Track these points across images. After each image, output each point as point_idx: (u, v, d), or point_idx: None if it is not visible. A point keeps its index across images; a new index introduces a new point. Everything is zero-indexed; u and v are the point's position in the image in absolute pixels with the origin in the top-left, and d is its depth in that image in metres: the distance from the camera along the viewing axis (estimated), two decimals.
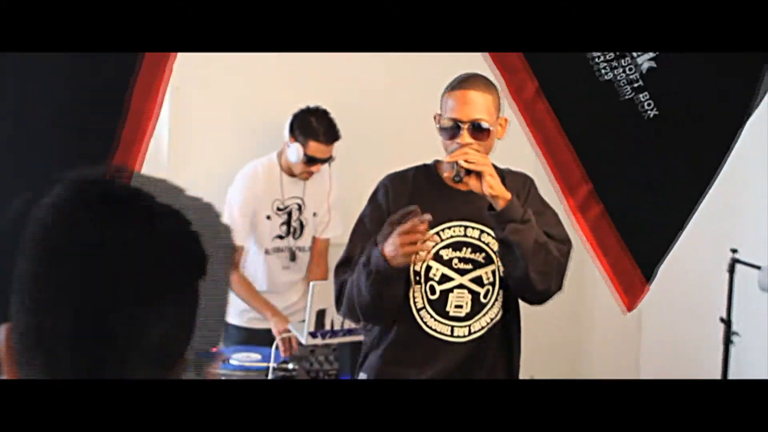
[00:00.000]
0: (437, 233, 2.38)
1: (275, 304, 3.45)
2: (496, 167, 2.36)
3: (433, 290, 2.40)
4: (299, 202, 3.48)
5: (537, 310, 4.40)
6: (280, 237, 3.51)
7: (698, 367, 4.04)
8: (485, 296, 2.40)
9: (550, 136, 1.80)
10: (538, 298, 2.38)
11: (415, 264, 2.38)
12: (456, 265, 2.40)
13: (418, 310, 2.40)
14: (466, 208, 2.38)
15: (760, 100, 2.08)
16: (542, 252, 2.26)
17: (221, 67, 3.58)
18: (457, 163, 2.21)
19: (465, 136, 2.26)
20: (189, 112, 3.49)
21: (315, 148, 3.35)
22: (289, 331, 3.26)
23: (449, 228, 2.40)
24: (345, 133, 3.43)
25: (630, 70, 1.77)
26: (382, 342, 2.46)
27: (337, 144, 3.42)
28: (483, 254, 2.39)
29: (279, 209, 3.50)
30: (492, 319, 2.43)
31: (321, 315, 2.98)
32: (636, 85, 1.78)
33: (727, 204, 3.83)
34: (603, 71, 1.78)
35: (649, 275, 1.90)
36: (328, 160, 3.42)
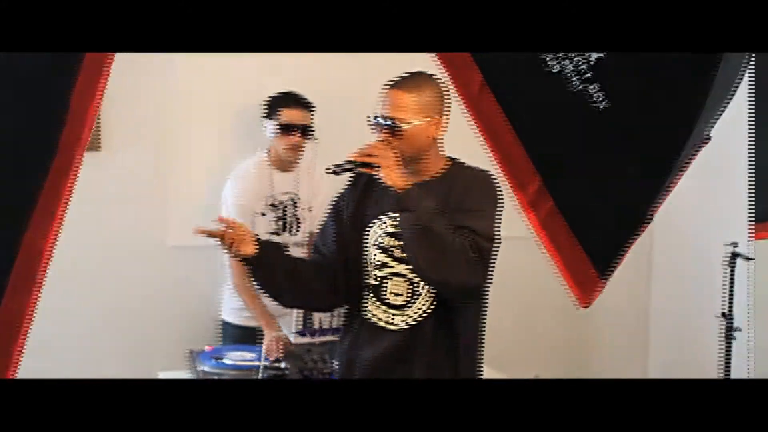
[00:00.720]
0: (380, 223, 2.52)
1: (269, 303, 3.39)
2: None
3: (375, 277, 2.56)
4: (293, 197, 3.53)
5: (543, 308, 4.41)
6: (276, 233, 3.55)
7: (704, 363, 4.01)
8: (420, 285, 2.50)
9: (497, 131, 1.84)
10: (441, 288, 2.46)
11: (361, 254, 2.56)
12: (395, 253, 2.52)
13: (364, 298, 2.59)
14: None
15: (733, 92, 2.09)
16: (435, 240, 2.34)
17: (212, 69, 3.65)
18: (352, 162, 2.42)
19: (379, 131, 2.44)
20: (182, 114, 3.57)
21: (287, 114, 3.45)
22: (280, 340, 3.31)
23: (391, 219, 2.51)
24: (336, 128, 3.48)
25: (578, 61, 1.79)
26: (343, 330, 2.64)
27: (328, 139, 3.47)
28: None
29: (273, 205, 3.55)
30: (426, 309, 2.51)
31: (308, 313, 3.04)
32: (585, 76, 1.80)
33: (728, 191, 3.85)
34: (550, 63, 1.80)
35: (603, 270, 1.90)
36: (307, 129, 3.48)
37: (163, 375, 3.31)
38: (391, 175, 2.38)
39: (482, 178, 2.58)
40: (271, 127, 3.57)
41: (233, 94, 3.91)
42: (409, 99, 2.44)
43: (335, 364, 2.77)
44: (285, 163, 3.59)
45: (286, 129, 3.51)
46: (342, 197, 2.66)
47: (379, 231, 2.59)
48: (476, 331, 2.60)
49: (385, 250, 2.56)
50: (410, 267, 2.52)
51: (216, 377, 3.08)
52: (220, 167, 3.75)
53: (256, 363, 3.13)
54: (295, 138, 3.49)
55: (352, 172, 2.53)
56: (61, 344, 3.58)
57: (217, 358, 3.20)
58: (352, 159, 2.42)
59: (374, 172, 2.43)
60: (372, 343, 2.57)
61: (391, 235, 2.55)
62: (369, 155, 2.39)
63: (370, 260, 2.60)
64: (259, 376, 3.02)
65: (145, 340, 3.87)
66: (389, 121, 2.45)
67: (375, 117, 2.49)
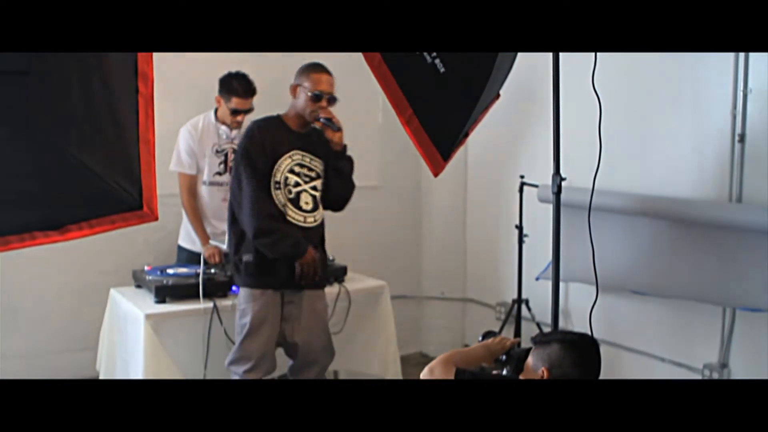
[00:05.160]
0: (290, 156, 3.33)
1: (216, 226, 4.11)
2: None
3: (291, 192, 3.31)
4: (234, 146, 4.07)
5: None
6: (219, 173, 4.15)
7: (502, 258, 5.12)
8: (319, 199, 3.41)
9: (389, 84, 3.00)
10: (342, 201, 3.47)
11: (275, 176, 3.27)
12: (302, 176, 3.36)
13: (282, 206, 3.30)
14: (303, 143, 3.38)
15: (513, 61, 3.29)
16: (351, 178, 3.41)
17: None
18: (330, 118, 3.30)
19: (325, 104, 3.31)
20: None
21: (236, 102, 4.08)
22: (215, 248, 3.99)
23: (296, 154, 3.37)
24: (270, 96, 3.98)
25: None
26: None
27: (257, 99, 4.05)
28: (314, 172, 3.40)
29: (217, 151, 4.15)
30: (321, 215, 3.46)
31: None
32: (433, 55, 2.98)
33: (516, 141, 4.99)
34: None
35: (446, 156, 3.16)
36: (249, 110, 4.08)
37: (113, 291, 3.89)
38: (341, 137, 3.36)
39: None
40: (223, 106, 4.08)
41: (191, 70, 4.43)
42: (332, 79, 3.36)
43: (246, 257, 3.37)
44: (228, 123, 4.14)
45: (235, 113, 4.11)
46: (248, 151, 3.26)
47: (290, 162, 3.33)
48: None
49: (297, 174, 3.33)
50: (312, 185, 3.37)
51: (162, 284, 3.62)
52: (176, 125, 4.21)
53: (194, 271, 3.74)
54: (241, 118, 4.10)
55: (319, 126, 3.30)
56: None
57: (161, 271, 3.84)
58: (329, 118, 3.27)
59: (329, 131, 3.31)
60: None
61: (297, 164, 3.35)
62: (336, 120, 3.30)
63: (286, 182, 3.31)
64: (200, 281, 3.57)
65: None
66: (327, 95, 3.32)
67: (320, 91, 3.27)
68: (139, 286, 3.94)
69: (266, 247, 3.25)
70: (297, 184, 3.33)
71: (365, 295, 4.09)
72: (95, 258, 4.44)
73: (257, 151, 3.25)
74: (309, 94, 3.31)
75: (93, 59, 2.38)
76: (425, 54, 2.98)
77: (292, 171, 3.33)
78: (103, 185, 2.45)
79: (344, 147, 3.39)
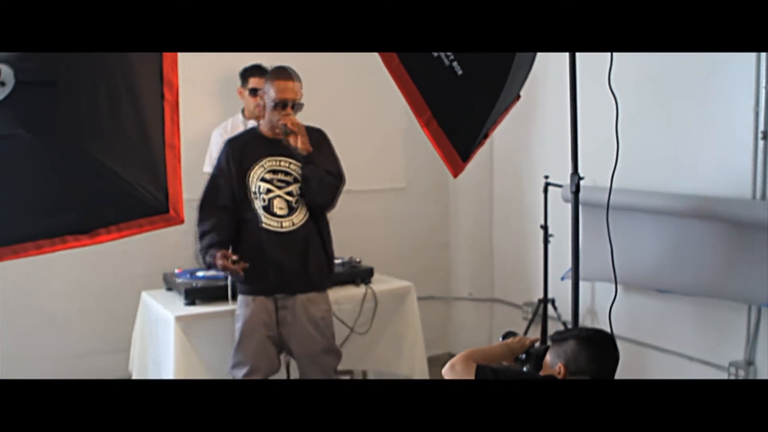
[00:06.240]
0: (261, 165, 3.37)
1: None
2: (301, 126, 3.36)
3: (264, 200, 3.35)
4: None
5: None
6: None
7: (529, 258, 5.12)
8: (295, 203, 3.39)
9: (407, 87, 2.99)
10: (321, 209, 3.43)
11: (250, 187, 3.35)
12: (275, 183, 3.38)
13: (258, 215, 3.37)
14: (277, 149, 3.38)
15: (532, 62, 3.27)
16: (323, 181, 3.33)
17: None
18: (285, 124, 3.28)
19: (289, 110, 3.32)
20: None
21: (254, 81, 4.19)
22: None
23: (269, 161, 3.39)
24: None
25: (446, 52, 2.96)
26: (247, 236, 3.40)
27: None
28: (291, 176, 3.39)
29: None
30: (302, 218, 3.41)
31: None
32: (451, 58, 2.98)
33: (541, 142, 4.97)
34: (433, 52, 2.96)
35: (465, 157, 3.16)
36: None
37: (145, 294, 4.00)
38: (304, 141, 3.32)
39: (322, 134, 3.52)
40: (246, 93, 4.22)
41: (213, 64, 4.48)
42: (297, 85, 3.34)
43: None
44: (255, 116, 4.21)
45: (253, 92, 4.21)
46: (220, 165, 3.37)
47: (261, 171, 3.36)
48: (329, 233, 3.54)
49: (269, 181, 3.36)
50: (287, 191, 3.36)
51: (191, 287, 3.70)
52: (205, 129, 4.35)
53: (222, 274, 3.58)
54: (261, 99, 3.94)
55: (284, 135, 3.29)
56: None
57: (191, 274, 3.93)
58: (284, 124, 3.26)
59: (291, 138, 3.30)
60: (269, 241, 3.37)
61: (270, 171, 3.37)
62: (293, 126, 3.29)
63: (259, 190, 3.35)
64: (228, 283, 3.59)
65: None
66: (291, 102, 3.32)
67: (283, 99, 3.29)
68: (169, 289, 4.03)
69: (202, 249, 3.41)
70: (269, 191, 3.38)
71: (391, 296, 4.12)
72: (127, 262, 4.55)
73: (221, 170, 3.39)
74: (272, 103, 3.35)
75: (119, 68, 2.46)
76: (443, 57, 3.00)
77: (263, 179, 3.37)
78: (130, 190, 2.53)
79: (309, 153, 3.35)
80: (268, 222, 3.38)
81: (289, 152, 3.37)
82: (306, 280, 3.45)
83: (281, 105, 3.33)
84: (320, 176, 3.36)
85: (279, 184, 3.37)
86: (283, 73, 3.35)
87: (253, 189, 3.36)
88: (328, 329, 3.51)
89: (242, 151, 3.39)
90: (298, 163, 3.38)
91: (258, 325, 3.41)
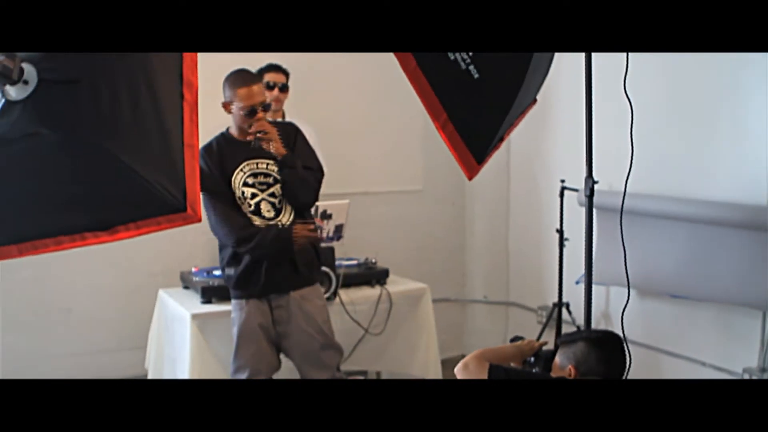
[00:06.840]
0: (241, 170, 3.35)
1: None
2: (270, 122, 3.35)
3: (250, 205, 3.35)
4: None
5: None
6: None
7: (544, 262, 5.14)
8: (279, 203, 3.38)
9: (424, 89, 2.98)
10: (303, 207, 3.44)
11: (235, 192, 3.33)
12: (257, 186, 3.37)
13: (248, 218, 3.36)
14: (252, 151, 3.35)
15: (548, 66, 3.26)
16: (303, 181, 3.35)
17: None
18: (257, 132, 3.25)
19: (260, 114, 3.29)
20: None
21: (270, 77, 4.16)
22: None
23: (247, 165, 3.37)
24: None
25: (463, 55, 2.96)
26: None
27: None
28: (271, 177, 3.37)
29: None
30: (288, 218, 3.42)
31: None
32: (467, 61, 2.97)
33: (558, 145, 5.00)
34: (449, 54, 2.96)
35: (480, 159, 3.16)
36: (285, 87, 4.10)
37: (162, 291, 4.05)
38: (276, 146, 3.29)
39: (295, 129, 3.49)
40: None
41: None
42: (260, 86, 3.32)
43: (228, 271, 3.47)
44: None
45: (269, 87, 4.12)
46: (204, 172, 3.21)
47: (242, 176, 3.35)
48: (314, 224, 3.52)
49: (252, 186, 3.35)
50: (270, 193, 3.36)
51: (208, 285, 3.77)
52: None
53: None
54: (276, 93, 4.11)
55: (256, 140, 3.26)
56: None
57: (207, 272, 3.98)
58: (256, 132, 3.24)
59: (264, 144, 3.28)
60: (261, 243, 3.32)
61: (251, 175, 3.36)
62: (264, 132, 3.26)
63: (244, 195, 3.35)
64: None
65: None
66: (260, 106, 3.28)
67: (251, 105, 3.24)
68: (186, 287, 4.07)
69: (255, 250, 3.34)
70: (254, 196, 3.39)
71: (406, 298, 4.15)
72: (145, 260, 4.59)
73: (206, 175, 3.26)
74: (242, 112, 3.31)
75: (140, 67, 2.47)
76: (459, 60, 3.00)
77: (246, 184, 3.37)
78: (149, 188, 2.53)
79: (284, 155, 3.34)
80: (259, 225, 3.40)
81: (264, 152, 3.36)
82: (296, 277, 3.44)
83: (250, 112, 3.30)
84: (300, 176, 3.36)
85: (261, 186, 3.37)
86: (243, 79, 3.31)
87: (238, 194, 3.36)
88: (325, 325, 3.50)
89: (220, 157, 3.37)
90: (275, 163, 3.37)
91: (254, 328, 3.42)
